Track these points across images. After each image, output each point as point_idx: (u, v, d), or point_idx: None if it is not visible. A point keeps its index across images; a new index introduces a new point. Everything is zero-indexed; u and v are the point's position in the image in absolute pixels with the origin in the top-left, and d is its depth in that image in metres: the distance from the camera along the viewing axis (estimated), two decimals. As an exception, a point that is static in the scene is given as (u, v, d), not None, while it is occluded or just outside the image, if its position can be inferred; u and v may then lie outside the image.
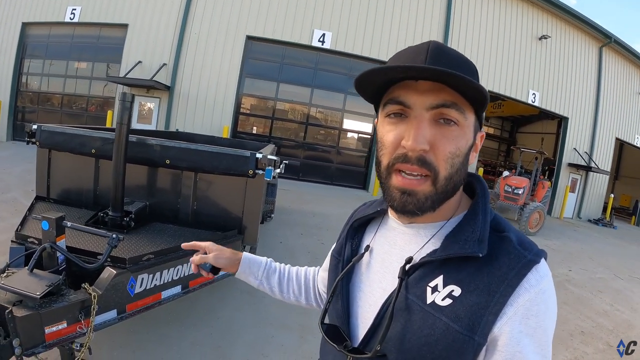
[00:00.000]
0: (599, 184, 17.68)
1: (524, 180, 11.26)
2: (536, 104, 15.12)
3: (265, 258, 1.30)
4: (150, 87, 12.06)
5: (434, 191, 0.73)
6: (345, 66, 13.32)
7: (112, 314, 2.41)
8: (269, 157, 3.31)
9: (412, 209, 0.75)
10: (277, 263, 1.32)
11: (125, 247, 2.72)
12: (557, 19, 15.08)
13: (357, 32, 12.93)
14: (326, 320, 0.90)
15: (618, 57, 16.99)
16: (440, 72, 0.66)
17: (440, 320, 0.69)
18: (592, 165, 16.16)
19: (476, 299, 0.68)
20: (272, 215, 6.94)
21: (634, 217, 20.43)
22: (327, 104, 13.65)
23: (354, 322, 0.88)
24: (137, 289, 2.57)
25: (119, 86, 12.51)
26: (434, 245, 0.78)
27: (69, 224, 2.33)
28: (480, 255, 0.70)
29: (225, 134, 12.33)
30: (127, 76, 11.97)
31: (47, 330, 1.98)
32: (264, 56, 13.10)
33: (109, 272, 2.36)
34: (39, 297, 1.92)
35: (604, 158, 17.29)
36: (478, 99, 0.73)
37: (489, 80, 13.94)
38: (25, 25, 13.64)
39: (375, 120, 0.86)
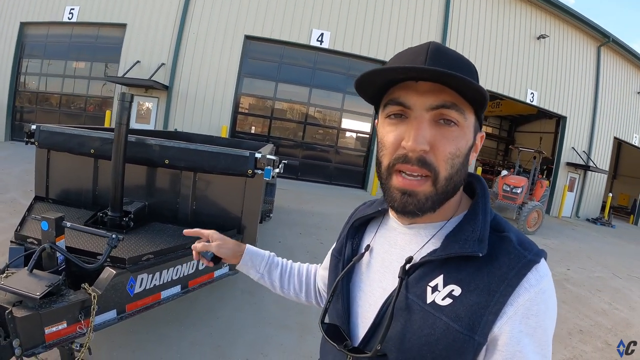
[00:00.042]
0: (597, 183, 17.72)
1: (522, 180, 11.27)
2: (534, 103, 15.15)
3: (267, 252, 1.29)
4: (148, 86, 12.06)
5: (434, 192, 0.74)
6: (344, 66, 13.34)
7: (112, 314, 2.41)
8: (268, 156, 3.31)
9: (412, 210, 0.75)
10: (280, 258, 1.31)
11: (125, 247, 2.72)
12: (555, 18, 15.11)
13: (355, 31, 12.94)
14: (326, 320, 0.90)
15: (616, 56, 17.03)
16: (440, 73, 0.66)
17: (441, 319, 0.70)
18: (591, 164, 16.22)
19: (476, 299, 0.68)
20: (271, 215, 6.94)
21: (632, 216, 20.50)
22: (326, 104, 13.66)
23: (354, 322, 0.88)
24: (137, 289, 2.57)
25: (118, 86, 12.50)
26: (434, 245, 0.78)
27: (68, 224, 2.33)
28: (480, 254, 0.70)
29: (224, 133, 12.33)
30: (125, 76, 11.96)
31: (47, 330, 1.98)
32: (263, 56, 13.10)
33: (108, 272, 2.36)
34: (38, 297, 1.91)
35: (602, 157, 17.34)
36: (478, 100, 0.73)
37: (487, 80, 13.96)
38: (23, 25, 13.63)
39: (376, 121, 0.86)
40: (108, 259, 2.41)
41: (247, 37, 12.71)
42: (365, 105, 12.69)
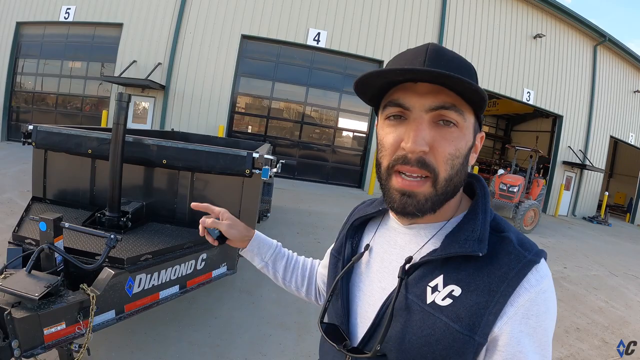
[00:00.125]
0: (593, 181, 17.79)
1: (519, 179, 11.30)
2: (531, 102, 15.19)
3: (275, 241, 1.27)
4: (145, 86, 12.02)
5: (434, 192, 0.74)
6: (340, 65, 13.34)
7: (111, 314, 2.41)
8: (266, 156, 3.32)
9: (412, 211, 0.75)
10: (286, 249, 1.29)
11: (123, 247, 2.72)
12: (551, 17, 15.15)
13: (352, 31, 12.94)
14: (325, 319, 0.90)
15: (612, 55, 17.10)
16: (438, 74, 0.66)
17: (441, 320, 0.70)
18: (587, 163, 16.28)
19: (476, 299, 0.68)
20: (269, 215, 6.95)
21: (628, 214, 20.59)
22: (323, 103, 13.67)
23: (353, 322, 0.88)
24: (135, 289, 2.57)
25: (114, 86, 12.47)
26: (434, 245, 0.78)
27: (66, 224, 2.33)
28: (480, 254, 0.70)
29: (221, 133, 12.32)
30: (122, 76, 11.93)
31: (46, 331, 1.98)
32: (259, 55, 13.09)
33: (107, 272, 2.36)
34: (37, 298, 1.91)
35: (599, 156, 17.40)
36: (476, 101, 0.73)
37: (484, 79, 13.99)
38: (19, 24, 13.58)
39: (376, 122, 0.86)
40: (106, 260, 2.41)
41: (244, 37, 12.69)
42: (361, 105, 12.72)
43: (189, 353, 3.25)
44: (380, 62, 13.01)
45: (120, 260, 2.50)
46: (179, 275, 2.94)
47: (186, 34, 12.46)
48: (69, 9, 12.90)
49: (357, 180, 13.85)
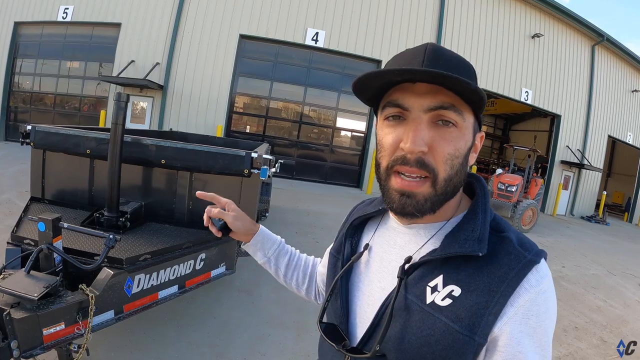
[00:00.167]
0: (591, 181, 17.83)
1: (517, 178, 11.33)
2: (529, 102, 15.22)
3: (279, 237, 1.26)
4: (143, 86, 12.01)
5: (433, 193, 0.73)
6: (339, 65, 13.34)
7: (110, 314, 2.41)
8: (264, 156, 3.32)
9: (411, 211, 0.75)
10: (289, 245, 1.28)
11: (122, 247, 2.71)
12: (549, 17, 15.17)
13: (350, 30, 12.94)
14: (324, 319, 0.90)
15: (610, 55, 17.13)
16: (436, 74, 0.66)
17: (440, 320, 0.69)
18: (585, 162, 16.31)
19: (476, 299, 0.68)
20: (267, 214, 6.94)
21: (626, 213, 20.64)
22: (321, 103, 13.67)
23: (352, 321, 0.87)
24: (134, 289, 2.57)
25: (112, 86, 12.46)
26: (434, 245, 0.78)
27: (65, 225, 2.32)
28: (480, 254, 0.70)
29: (219, 133, 12.31)
30: (120, 75, 11.91)
31: (45, 331, 1.98)
32: (258, 55, 13.09)
33: (106, 272, 2.36)
34: (36, 298, 1.91)
35: (597, 155, 17.44)
36: (475, 101, 0.73)
37: (482, 79, 13.97)
38: (17, 24, 13.55)
39: (375, 123, 0.86)
40: (105, 260, 2.41)
41: (242, 36, 12.68)
42: (360, 105, 12.70)
43: (188, 353, 3.25)
44: (379, 62, 13.02)
45: (119, 261, 2.50)
46: (178, 275, 2.94)
47: (184, 33, 12.44)
48: (67, 8, 12.88)
49: (355, 179, 13.85)
